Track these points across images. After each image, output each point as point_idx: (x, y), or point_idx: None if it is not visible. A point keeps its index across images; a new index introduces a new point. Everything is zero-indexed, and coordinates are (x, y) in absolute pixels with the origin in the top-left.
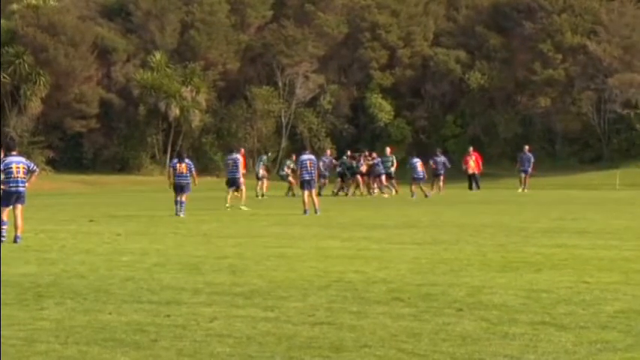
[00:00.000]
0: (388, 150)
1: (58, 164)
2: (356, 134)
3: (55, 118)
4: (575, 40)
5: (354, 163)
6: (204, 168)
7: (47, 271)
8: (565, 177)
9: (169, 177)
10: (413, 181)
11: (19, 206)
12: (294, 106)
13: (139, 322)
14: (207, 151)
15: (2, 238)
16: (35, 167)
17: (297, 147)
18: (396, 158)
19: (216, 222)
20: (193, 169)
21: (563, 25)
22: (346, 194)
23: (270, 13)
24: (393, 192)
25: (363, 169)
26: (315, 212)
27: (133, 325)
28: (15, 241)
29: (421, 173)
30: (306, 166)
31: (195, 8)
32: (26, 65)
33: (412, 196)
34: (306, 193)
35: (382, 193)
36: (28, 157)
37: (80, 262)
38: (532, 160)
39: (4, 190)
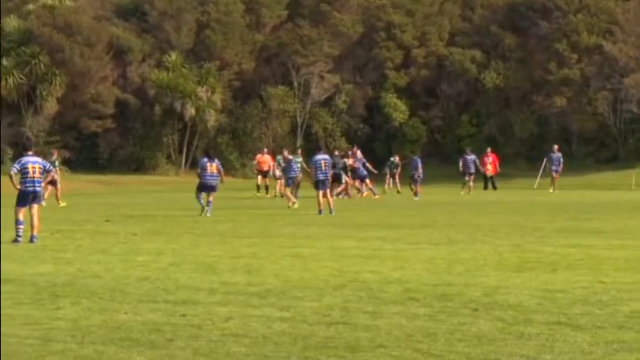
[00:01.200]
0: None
1: (74, 164)
2: (371, 134)
3: (71, 118)
4: (591, 39)
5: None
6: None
7: (63, 271)
8: (581, 177)
9: (199, 176)
10: (413, 181)
11: (35, 206)
12: (310, 105)
13: (154, 321)
14: (223, 151)
15: (19, 238)
16: (51, 167)
17: (312, 147)
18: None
19: (232, 222)
20: (222, 169)
21: (579, 25)
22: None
23: (285, 13)
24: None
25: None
26: (330, 212)
27: (149, 325)
28: (31, 241)
29: (422, 174)
30: (321, 166)
31: (211, 8)
32: (42, 65)
33: (416, 196)
34: (321, 192)
35: (373, 194)
36: (45, 157)
37: (96, 261)
38: (562, 159)
39: (21, 190)
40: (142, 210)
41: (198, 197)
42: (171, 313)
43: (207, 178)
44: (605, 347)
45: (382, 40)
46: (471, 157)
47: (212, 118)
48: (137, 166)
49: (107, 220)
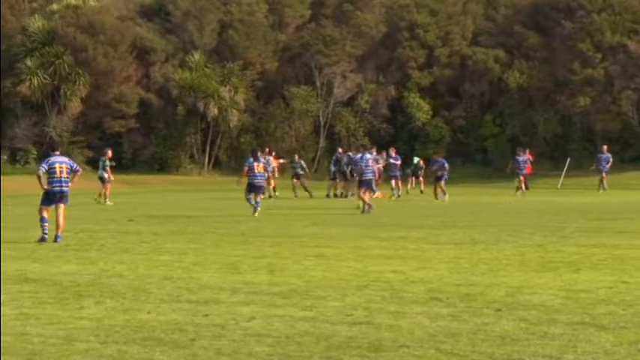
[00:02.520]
0: (393, 151)
1: (97, 164)
2: (394, 134)
3: (94, 118)
4: (614, 39)
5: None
6: (241, 168)
7: (87, 271)
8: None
9: (245, 175)
10: (438, 181)
11: (61, 206)
12: (332, 105)
13: (177, 321)
14: (245, 151)
15: (45, 236)
16: (78, 167)
17: (334, 146)
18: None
19: (254, 222)
20: (269, 168)
21: (603, 25)
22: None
23: (308, 13)
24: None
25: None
26: (363, 211)
27: (172, 325)
28: (55, 240)
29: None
30: (369, 166)
31: (234, 8)
32: (66, 65)
33: (442, 197)
34: (363, 190)
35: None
36: (68, 156)
37: (119, 261)
38: (610, 160)
39: (47, 190)
40: (165, 210)
41: (248, 198)
42: (194, 312)
43: (257, 178)
44: (628, 347)
45: (405, 40)
46: (523, 157)
47: (235, 118)
48: (160, 165)
49: (130, 220)
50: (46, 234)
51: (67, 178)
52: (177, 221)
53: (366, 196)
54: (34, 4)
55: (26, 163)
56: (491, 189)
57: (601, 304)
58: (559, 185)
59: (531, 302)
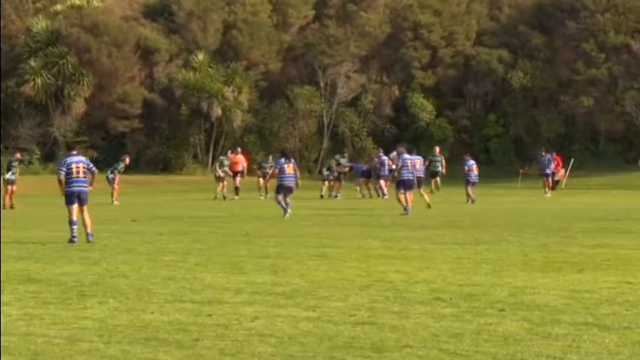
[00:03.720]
0: (437, 149)
1: (101, 164)
2: (397, 134)
3: (98, 118)
4: (618, 39)
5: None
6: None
7: (90, 271)
8: (609, 177)
9: (274, 176)
10: (468, 184)
11: (83, 208)
12: (336, 105)
13: (180, 321)
14: (250, 151)
15: (74, 239)
16: (94, 168)
17: (338, 147)
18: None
19: (258, 222)
20: (297, 169)
21: (607, 25)
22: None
23: (312, 13)
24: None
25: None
26: (405, 210)
27: (175, 325)
28: (88, 240)
29: (475, 176)
30: (407, 166)
31: (238, 8)
32: (70, 66)
33: (467, 201)
34: (401, 191)
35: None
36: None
37: (123, 261)
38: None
39: (66, 190)
40: (168, 210)
41: (279, 201)
42: (198, 312)
43: (286, 179)
44: (632, 347)
45: (409, 40)
46: (547, 157)
47: (238, 118)
48: (164, 165)
49: (134, 220)
50: (74, 236)
51: (85, 178)
52: (181, 221)
53: (406, 198)
54: (38, 5)
55: (30, 163)
56: (494, 189)
57: (605, 304)
58: (562, 185)
59: (535, 302)
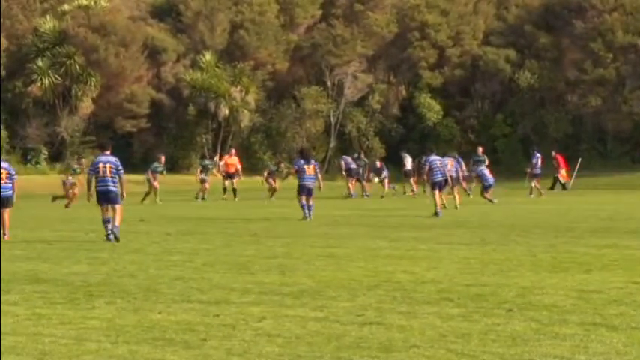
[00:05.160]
0: (480, 150)
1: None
2: (405, 134)
3: (105, 118)
4: (626, 39)
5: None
6: (252, 168)
7: (98, 270)
8: (616, 177)
9: (295, 176)
10: (533, 177)
11: (117, 207)
12: (343, 105)
13: (188, 321)
14: (257, 151)
15: (110, 237)
16: (122, 169)
17: (345, 147)
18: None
19: (265, 222)
20: (319, 170)
21: (614, 24)
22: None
23: (319, 13)
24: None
25: None
26: (436, 213)
27: (183, 325)
28: (116, 238)
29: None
30: (437, 167)
31: (245, 8)
32: (77, 66)
33: (530, 194)
34: (437, 193)
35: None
36: (80, 157)
37: (130, 261)
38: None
39: (96, 191)
40: (176, 210)
41: (302, 205)
42: (205, 312)
43: (306, 180)
44: (639, 348)
45: (416, 40)
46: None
47: (246, 118)
48: (171, 165)
49: (141, 220)
50: (109, 233)
51: (113, 177)
52: (188, 221)
53: (438, 199)
54: (46, 5)
55: (37, 163)
56: (501, 189)
57: (612, 304)
58: (570, 185)
59: (542, 302)
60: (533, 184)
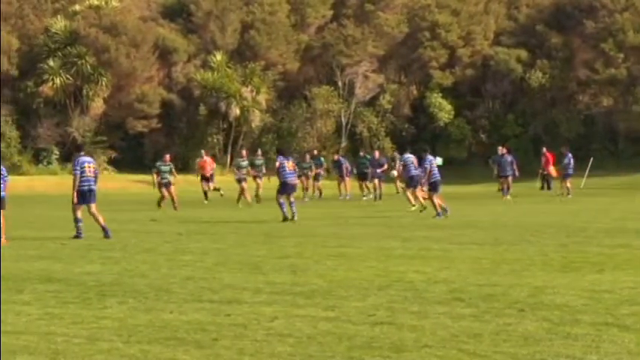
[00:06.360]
0: (500, 149)
1: (119, 164)
2: (416, 134)
3: (117, 118)
4: (637, 38)
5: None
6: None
7: (110, 270)
8: (628, 176)
9: (280, 176)
10: (565, 178)
11: (92, 206)
12: (354, 105)
13: (199, 321)
14: (268, 151)
15: (81, 236)
16: (97, 169)
17: (356, 147)
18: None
19: (276, 221)
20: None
21: (626, 24)
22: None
23: (330, 13)
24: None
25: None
26: (445, 212)
27: (194, 324)
28: (107, 236)
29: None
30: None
31: (256, 8)
32: (88, 66)
33: (568, 194)
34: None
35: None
36: (91, 156)
37: (142, 261)
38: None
39: (80, 189)
40: (187, 209)
41: (280, 203)
42: (217, 312)
43: (289, 176)
44: None
45: (427, 40)
46: (508, 157)
47: (257, 118)
48: (182, 166)
49: (152, 220)
50: (80, 233)
51: (94, 177)
52: (200, 221)
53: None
54: (57, 5)
55: (49, 163)
56: (513, 189)
57: (624, 304)
58: (582, 185)
59: (554, 302)
60: (568, 184)
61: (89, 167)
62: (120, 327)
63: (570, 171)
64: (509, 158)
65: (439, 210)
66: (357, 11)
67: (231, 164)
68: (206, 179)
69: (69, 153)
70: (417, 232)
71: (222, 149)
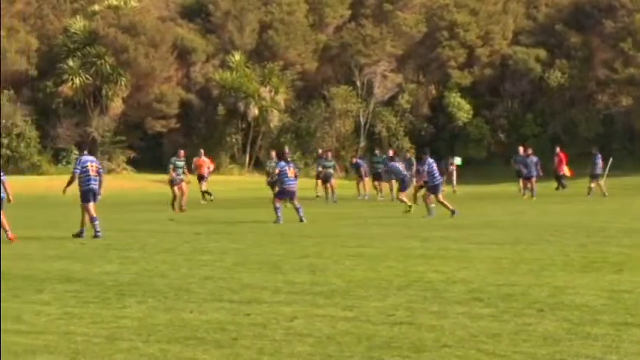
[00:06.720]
0: (521, 149)
1: (138, 164)
2: (435, 133)
3: (136, 118)
4: None
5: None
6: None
7: (129, 270)
8: None
9: (281, 182)
10: (594, 178)
11: (94, 204)
12: (373, 105)
13: (219, 320)
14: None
15: (98, 234)
16: (102, 169)
17: (375, 147)
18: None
19: (295, 221)
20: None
21: None
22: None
23: (348, 13)
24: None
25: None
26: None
27: (214, 324)
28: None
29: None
30: (435, 170)
31: (274, 8)
32: (107, 66)
33: (604, 194)
34: (439, 196)
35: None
36: (110, 156)
37: (161, 260)
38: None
39: (83, 189)
40: (206, 209)
41: (276, 207)
42: (236, 312)
43: (289, 183)
44: None
45: (445, 40)
46: (533, 158)
47: (275, 118)
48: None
49: (171, 220)
50: (98, 231)
51: (97, 176)
52: (218, 221)
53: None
54: (76, 5)
55: (68, 163)
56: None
57: None
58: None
59: (574, 303)
60: (601, 183)
61: (92, 166)
62: (139, 326)
63: (599, 171)
64: (534, 159)
65: (452, 208)
66: (375, 11)
67: (249, 164)
68: (202, 178)
69: (88, 153)
70: (435, 232)
71: (240, 149)
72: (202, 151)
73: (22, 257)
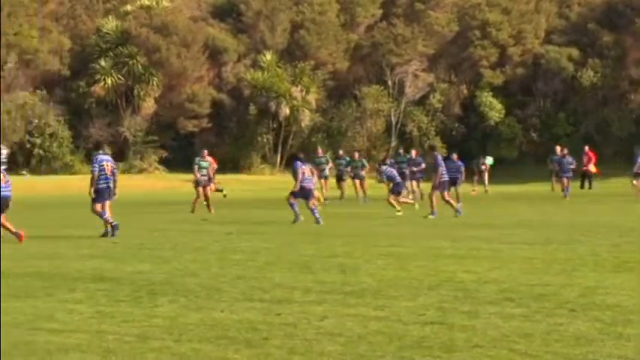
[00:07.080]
0: (558, 149)
1: (170, 163)
2: (466, 133)
3: (168, 118)
4: None
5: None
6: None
7: (160, 269)
8: None
9: (300, 181)
10: (636, 177)
11: (108, 203)
12: (404, 105)
13: (250, 320)
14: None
15: (115, 228)
16: (116, 169)
17: (406, 146)
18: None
19: (325, 221)
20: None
21: None
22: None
23: (379, 12)
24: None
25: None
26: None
27: (245, 324)
28: (113, 234)
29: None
30: (444, 169)
31: (306, 8)
32: (139, 66)
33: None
34: (445, 193)
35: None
36: (142, 156)
37: (192, 260)
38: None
39: (97, 188)
40: (237, 209)
41: (291, 204)
42: (267, 311)
43: (306, 181)
44: None
45: (477, 39)
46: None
47: (306, 118)
48: (233, 165)
49: (203, 219)
50: (112, 222)
51: (112, 175)
52: (250, 220)
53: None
54: (108, 5)
55: None
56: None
57: None
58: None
59: (606, 303)
60: (635, 183)
61: (107, 165)
62: (171, 326)
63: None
64: (570, 159)
65: (434, 209)
66: (406, 10)
67: (280, 164)
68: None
69: (121, 153)
70: (466, 231)
71: (272, 149)
72: (205, 151)
73: (55, 256)
